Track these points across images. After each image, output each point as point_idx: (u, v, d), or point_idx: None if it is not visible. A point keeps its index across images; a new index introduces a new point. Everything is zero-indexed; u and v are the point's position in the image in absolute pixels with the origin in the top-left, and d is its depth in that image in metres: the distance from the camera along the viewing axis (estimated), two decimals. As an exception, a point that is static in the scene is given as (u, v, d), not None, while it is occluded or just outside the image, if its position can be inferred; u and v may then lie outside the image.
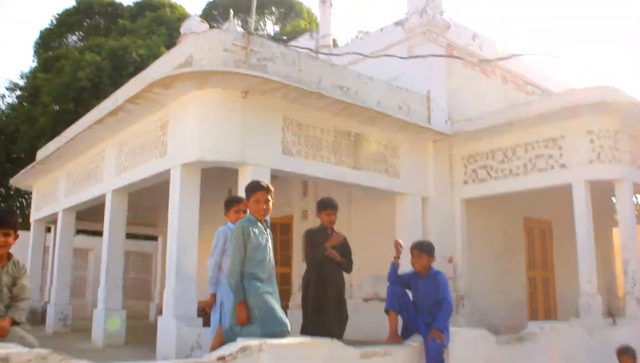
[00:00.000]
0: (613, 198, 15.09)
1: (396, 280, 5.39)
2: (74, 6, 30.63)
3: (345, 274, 6.16)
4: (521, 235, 12.16)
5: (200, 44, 7.87)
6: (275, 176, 13.55)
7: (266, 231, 4.61)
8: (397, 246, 5.49)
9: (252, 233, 4.44)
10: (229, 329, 4.35)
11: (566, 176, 9.02)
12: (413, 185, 9.87)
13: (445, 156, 10.52)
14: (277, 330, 4.16)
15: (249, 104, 7.88)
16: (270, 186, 4.66)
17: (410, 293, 5.45)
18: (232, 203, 5.69)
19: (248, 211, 4.70)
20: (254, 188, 4.62)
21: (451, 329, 5.23)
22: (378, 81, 9.43)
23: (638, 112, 8.87)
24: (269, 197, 4.61)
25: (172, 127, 8.28)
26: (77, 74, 23.02)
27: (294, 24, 32.90)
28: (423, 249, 5.38)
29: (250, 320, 4.23)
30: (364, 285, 11.04)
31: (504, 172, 9.81)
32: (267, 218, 4.79)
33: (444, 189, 10.35)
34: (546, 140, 9.35)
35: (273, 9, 35.08)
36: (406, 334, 5.32)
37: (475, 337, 5.69)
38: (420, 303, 5.31)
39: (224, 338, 4.35)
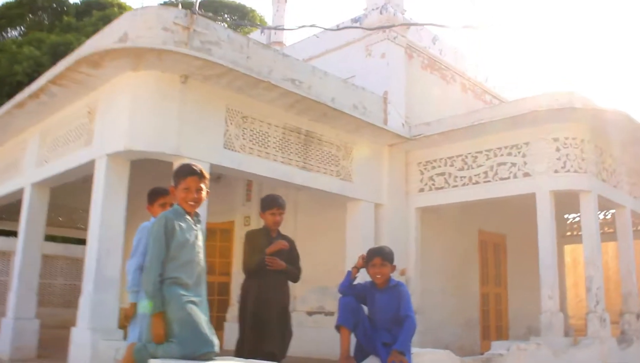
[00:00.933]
0: (566, 215, 14.83)
1: (349, 291, 4.61)
2: (16, -1, 29.02)
3: (291, 284, 5.39)
4: (475, 248, 11.59)
5: (136, 21, 6.95)
6: (217, 177, 12.74)
7: (196, 226, 3.76)
8: (362, 259, 4.73)
9: (177, 228, 3.58)
10: (142, 347, 3.46)
11: (530, 186, 8.44)
12: (366, 191, 9.14)
13: (401, 162, 9.84)
14: (200, 351, 3.31)
15: (188, 91, 7.01)
16: (204, 171, 3.83)
17: (365, 308, 4.70)
18: (156, 194, 4.73)
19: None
20: (184, 172, 3.76)
21: (413, 350, 4.46)
22: (333, 77, 8.69)
23: (604, 120, 8.37)
24: (203, 185, 3.77)
25: (100, 114, 7.32)
26: (14, 68, 21.65)
27: (246, 31, 32.08)
28: (387, 257, 4.61)
29: (169, 336, 3.36)
30: (309, 297, 10.24)
31: (463, 180, 9.19)
32: (203, 211, 3.93)
33: (399, 197, 9.65)
34: (509, 147, 8.77)
35: (226, 15, 34.18)
36: (360, 356, 4.51)
37: (440, 359, 4.94)
38: (378, 319, 4.53)
39: (134, 358, 3.47)
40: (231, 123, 7.39)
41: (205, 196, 3.79)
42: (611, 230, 14.19)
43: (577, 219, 14.59)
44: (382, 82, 9.82)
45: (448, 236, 10.65)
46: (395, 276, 4.96)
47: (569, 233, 14.66)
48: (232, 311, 11.16)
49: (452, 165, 9.37)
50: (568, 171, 8.26)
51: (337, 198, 8.90)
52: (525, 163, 8.57)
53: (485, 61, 13.14)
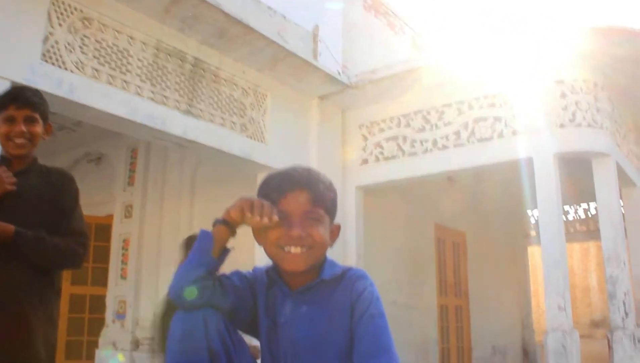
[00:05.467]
0: (529, 211, 12.45)
1: (204, 297, 1.61)
2: None
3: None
4: (432, 248, 8.91)
5: None
6: (98, 157, 9.65)
7: None
8: (245, 205, 1.64)
9: None
10: None
11: (524, 147, 5.79)
12: (286, 158, 6.25)
13: (336, 122, 7.04)
14: None
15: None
16: None
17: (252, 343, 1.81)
18: None
19: None
20: None
21: None
22: (239, -11, 5.84)
23: (626, 58, 5.85)
24: None
25: None
26: None
27: None
28: (322, 198, 1.69)
29: None
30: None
31: (424, 145, 6.46)
32: None
33: (333, 171, 6.80)
34: (491, 96, 6.13)
35: None
36: None
37: None
38: None
39: None
40: (60, 24, 4.40)
41: None
42: (583, 229, 11.96)
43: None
44: (311, 18, 7.06)
45: (399, 230, 7.91)
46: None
47: (533, 232, 12.26)
48: (109, 335, 8.12)
49: (408, 125, 6.65)
50: (579, 125, 5.68)
51: (243, 164, 6.01)
52: (514, 117, 5.94)
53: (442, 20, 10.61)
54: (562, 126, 5.67)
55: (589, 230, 12.24)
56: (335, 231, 1.77)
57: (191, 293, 1.59)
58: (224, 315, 1.64)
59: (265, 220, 1.62)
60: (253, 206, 1.63)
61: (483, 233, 10.39)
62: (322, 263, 1.73)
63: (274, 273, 1.74)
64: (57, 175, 2.50)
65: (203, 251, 1.64)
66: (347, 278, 1.71)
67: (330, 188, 1.75)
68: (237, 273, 1.76)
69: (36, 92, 2.47)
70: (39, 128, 2.41)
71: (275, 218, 1.63)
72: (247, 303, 1.72)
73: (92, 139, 8.97)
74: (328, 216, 1.72)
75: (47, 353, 2.33)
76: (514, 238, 11.75)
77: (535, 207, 11.81)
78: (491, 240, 10.69)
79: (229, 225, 1.66)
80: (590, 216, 12.20)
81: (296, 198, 1.66)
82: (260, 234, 1.70)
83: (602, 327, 14.13)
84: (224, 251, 1.69)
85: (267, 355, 1.69)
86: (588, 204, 12.05)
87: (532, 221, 12.41)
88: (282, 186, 1.69)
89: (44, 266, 2.33)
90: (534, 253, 13.99)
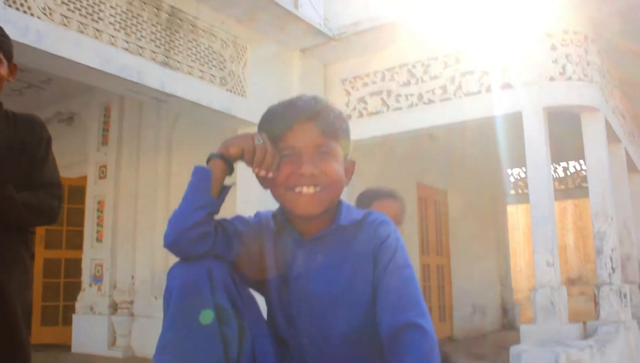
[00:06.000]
0: (509, 170, 12.43)
1: (201, 244, 1.40)
2: None
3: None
4: (414, 206, 8.80)
5: None
6: (69, 117, 9.30)
7: None
8: (247, 151, 1.46)
9: None
10: None
11: (512, 102, 5.62)
12: (268, 113, 6.06)
13: (318, 76, 6.80)
14: None
15: None
16: None
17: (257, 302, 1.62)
18: None
19: None
20: None
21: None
22: None
23: (619, 9, 5.69)
24: None
25: None
26: None
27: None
28: (333, 125, 1.54)
29: None
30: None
31: (409, 99, 6.27)
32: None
33: (316, 127, 6.63)
34: (479, 49, 5.94)
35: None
36: None
37: None
38: (307, 337, 1.46)
39: None
40: (24, -34, 4.09)
41: None
42: (562, 187, 11.95)
43: (523, 175, 12.17)
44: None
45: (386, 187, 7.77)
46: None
47: (514, 191, 12.26)
48: (86, 299, 7.92)
49: (392, 79, 6.44)
50: (570, 78, 5.52)
51: (222, 120, 5.77)
52: (503, 70, 5.76)
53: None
54: (552, 79, 5.52)
55: (567, 188, 12.24)
56: (350, 168, 1.59)
57: (190, 240, 1.40)
58: (229, 268, 1.43)
59: (263, 174, 1.43)
60: (254, 153, 1.42)
61: (463, 191, 10.32)
62: (337, 206, 1.53)
63: (283, 218, 1.54)
64: (26, 121, 2.26)
65: (202, 190, 1.43)
66: (368, 223, 1.51)
67: (341, 117, 1.56)
68: (239, 218, 1.56)
69: None
70: (2, 70, 2.16)
71: (275, 175, 1.45)
72: (253, 253, 1.51)
73: (63, 97, 8.64)
74: (341, 146, 1.53)
75: (25, 316, 2.14)
76: (493, 197, 11.72)
77: (515, 166, 11.86)
78: (471, 198, 10.63)
79: (225, 160, 1.46)
80: (568, 174, 12.18)
81: (305, 129, 1.48)
82: (276, 180, 1.50)
83: (577, 285, 14.29)
84: (223, 189, 1.48)
85: (279, 312, 1.50)
86: (567, 163, 12.02)
87: (512, 180, 12.41)
88: (287, 116, 1.49)
89: (16, 225, 2.11)
90: (512, 213, 14.03)
